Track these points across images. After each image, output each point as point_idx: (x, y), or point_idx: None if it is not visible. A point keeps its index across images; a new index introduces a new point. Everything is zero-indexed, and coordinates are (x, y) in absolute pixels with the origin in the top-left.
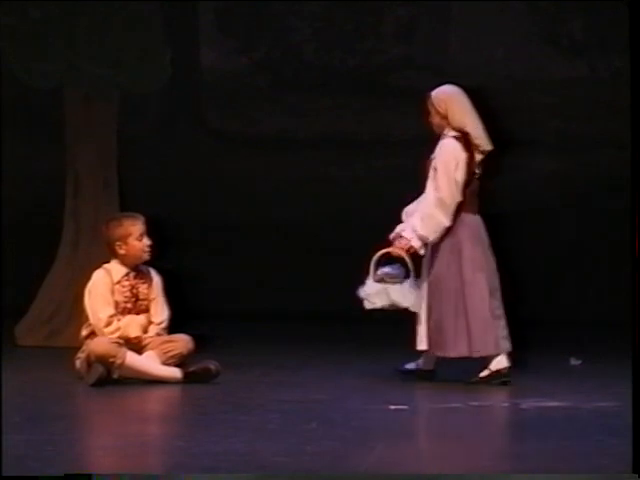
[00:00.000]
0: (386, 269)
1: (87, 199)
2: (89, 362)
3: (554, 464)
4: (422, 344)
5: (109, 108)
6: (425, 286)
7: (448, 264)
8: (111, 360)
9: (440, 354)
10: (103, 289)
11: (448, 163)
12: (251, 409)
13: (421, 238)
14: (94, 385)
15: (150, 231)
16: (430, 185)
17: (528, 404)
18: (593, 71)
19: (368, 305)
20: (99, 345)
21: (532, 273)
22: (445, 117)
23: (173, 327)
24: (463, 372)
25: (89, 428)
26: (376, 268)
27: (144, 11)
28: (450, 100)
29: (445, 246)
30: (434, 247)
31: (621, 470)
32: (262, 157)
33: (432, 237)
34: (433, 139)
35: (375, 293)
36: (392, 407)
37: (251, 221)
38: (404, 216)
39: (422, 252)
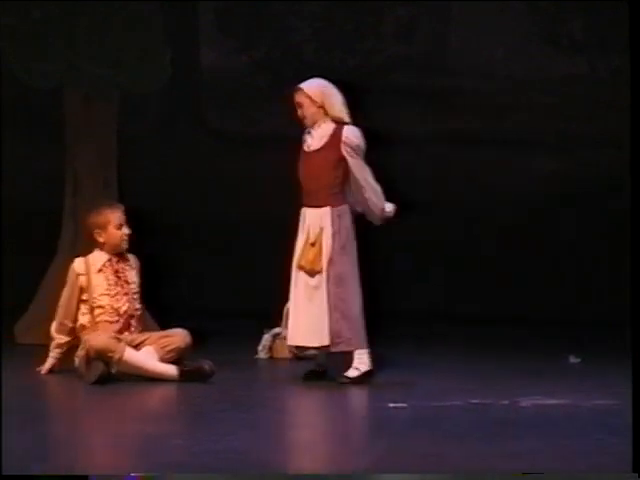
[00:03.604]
0: None
1: (87, 199)
2: (88, 359)
3: (554, 463)
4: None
5: (109, 108)
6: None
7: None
8: (110, 355)
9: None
10: (69, 286)
11: (364, 146)
12: (250, 407)
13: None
14: (95, 383)
15: (149, 229)
16: (358, 169)
17: (528, 402)
18: (593, 71)
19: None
20: (98, 340)
21: (532, 273)
22: (321, 107)
23: (173, 325)
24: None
25: (89, 427)
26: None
27: (144, 11)
28: (325, 90)
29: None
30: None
31: (621, 469)
32: (262, 157)
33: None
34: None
35: None
36: (392, 405)
37: (251, 221)
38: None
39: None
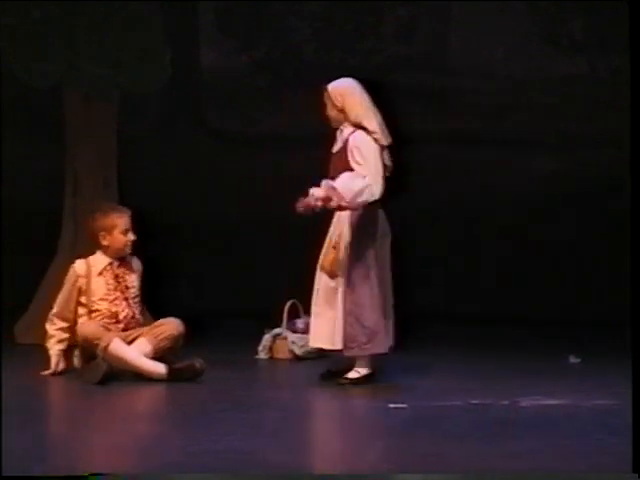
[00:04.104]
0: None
1: (87, 199)
2: (87, 358)
3: (554, 463)
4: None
5: (109, 108)
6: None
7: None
8: (95, 342)
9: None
10: (68, 287)
11: (368, 153)
12: (250, 407)
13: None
14: (99, 383)
15: (150, 229)
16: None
17: (528, 402)
18: (593, 70)
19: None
20: (87, 327)
21: (532, 273)
22: (342, 110)
23: None
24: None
25: (88, 427)
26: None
27: (144, 11)
28: (347, 94)
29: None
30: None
31: (621, 469)
32: (262, 157)
33: (353, 204)
34: (330, 133)
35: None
36: (392, 405)
37: (251, 221)
38: None
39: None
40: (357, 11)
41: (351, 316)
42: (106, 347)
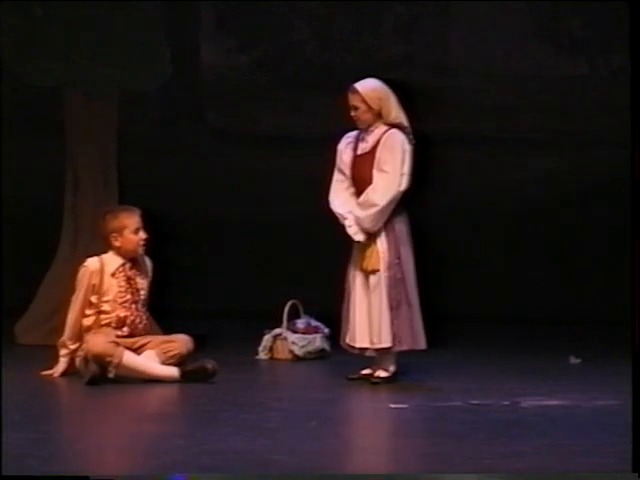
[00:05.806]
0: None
1: (87, 199)
2: (87, 360)
3: (554, 463)
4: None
5: (109, 107)
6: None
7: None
8: (108, 359)
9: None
10: (81, 289)
11: (397, 154)
12: (251, 408)
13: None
14: (88, 384)
15: (150, 229)
16: (378, 176)
17: (528, 403)
18: (593, 70)
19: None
20: (96, 344)
21: (532, 273)
22: (378, 113)
23: (173, 326)
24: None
25: (88, 427)
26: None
27: (144, 10)
28: (383, 96)
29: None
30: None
31: (621, 469)
32: (262, 156)
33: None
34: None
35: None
36: (392, 406)
37: (251, 220)
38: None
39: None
40: (357, 10)
41: (393, 314)
42: (119, 363)
